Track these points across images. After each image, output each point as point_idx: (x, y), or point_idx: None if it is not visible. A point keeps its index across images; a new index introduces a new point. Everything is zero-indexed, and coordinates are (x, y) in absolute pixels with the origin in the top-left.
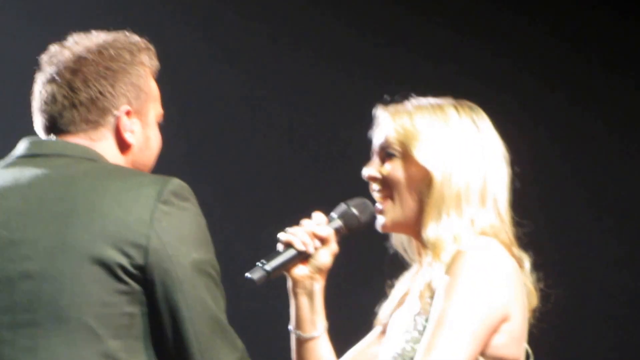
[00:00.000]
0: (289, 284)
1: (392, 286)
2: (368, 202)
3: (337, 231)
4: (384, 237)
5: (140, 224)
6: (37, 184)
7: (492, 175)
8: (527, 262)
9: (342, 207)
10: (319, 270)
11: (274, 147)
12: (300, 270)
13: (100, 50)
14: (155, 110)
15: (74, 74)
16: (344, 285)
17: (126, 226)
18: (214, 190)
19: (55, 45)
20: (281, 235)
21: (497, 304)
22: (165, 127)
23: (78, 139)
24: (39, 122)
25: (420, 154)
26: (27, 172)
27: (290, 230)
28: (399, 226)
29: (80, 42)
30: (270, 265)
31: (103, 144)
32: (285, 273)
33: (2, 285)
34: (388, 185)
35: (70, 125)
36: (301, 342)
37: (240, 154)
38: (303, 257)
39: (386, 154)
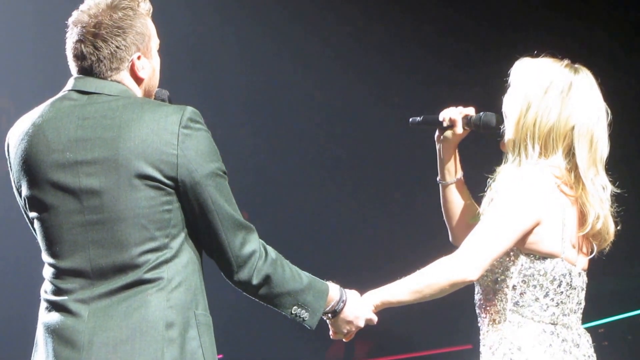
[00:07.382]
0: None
1: None
2: (495, 116)
3: (468, 122)
4: None
5: (169, 146)
6: (89, 117)
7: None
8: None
9: (481, 113)
10: (446, 139)
11: None
12: (438, 133)
13: (111, 14)
14: (155, 43)
15: (95, 36)
16: None
17: (160, 149)
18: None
19: (76, 10)
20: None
21: (528, 211)
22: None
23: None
24: (74, 70)
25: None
26: (79, 106)
27: (449, 108)
28: None
29: (94, 7)
30: (422, 117)
31: (125, 82)
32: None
33: (72, 195)
34: None
35: (100, 74)
36: (443, 188)
37: None
38: (441, 125)
39: None
